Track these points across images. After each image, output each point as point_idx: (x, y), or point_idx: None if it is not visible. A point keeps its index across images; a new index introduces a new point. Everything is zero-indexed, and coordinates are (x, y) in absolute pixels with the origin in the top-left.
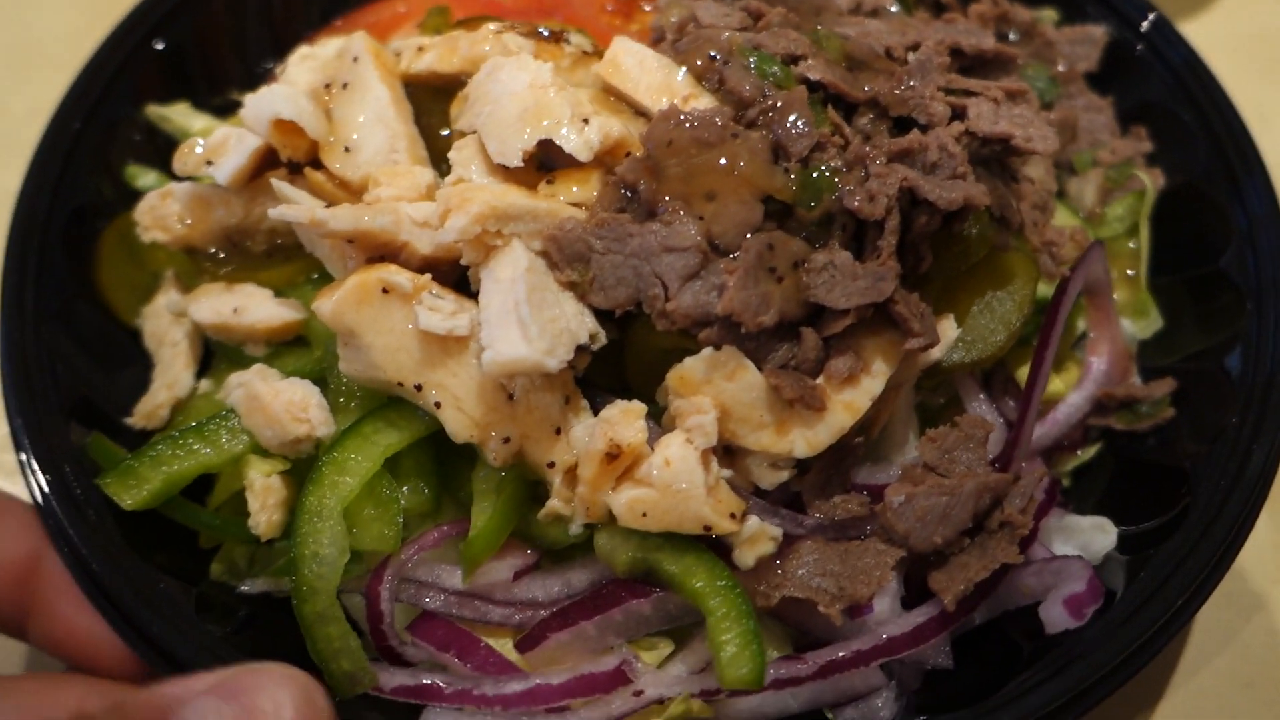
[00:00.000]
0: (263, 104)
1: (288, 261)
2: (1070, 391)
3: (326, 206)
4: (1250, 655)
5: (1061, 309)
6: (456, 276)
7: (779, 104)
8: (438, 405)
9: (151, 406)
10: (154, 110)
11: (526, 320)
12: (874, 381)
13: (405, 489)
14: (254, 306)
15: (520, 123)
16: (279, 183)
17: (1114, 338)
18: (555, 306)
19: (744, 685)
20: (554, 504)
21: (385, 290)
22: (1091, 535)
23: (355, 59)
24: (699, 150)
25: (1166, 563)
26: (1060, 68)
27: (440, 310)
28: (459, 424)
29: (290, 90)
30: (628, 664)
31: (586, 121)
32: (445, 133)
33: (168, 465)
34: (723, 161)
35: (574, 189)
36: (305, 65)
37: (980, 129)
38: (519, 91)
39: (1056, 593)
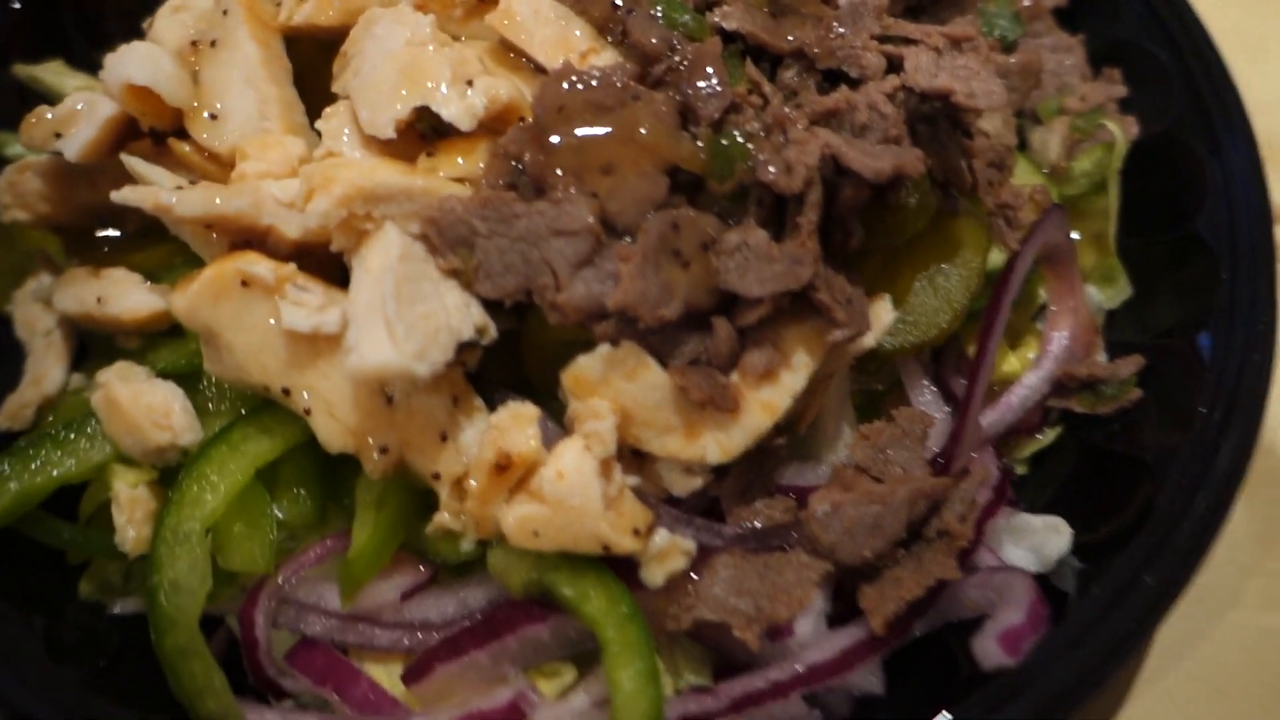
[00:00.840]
0: (118, 67)
1: (163, 241)
2: (1027, 372)
3: (191, 183)
4: (1222, 657)
5: (1009, 288)
6: (333, 263)
7: (689, 59)
8: (307, 411)
9: (16, 406)
10: (22, 70)
11: (393, 319)
12: (795, 376)
13: (284, 500)
14: (120, 294)
15: (395, 87)
16: (130, 159)
17: (1077, 310)
18: (432, 299)
19: None
20: (442, 518)
21: (244, 283)
22: (1044, 537)
23: (225, 11)
24: (594, 116)
25: (1122, 573)
26: (1025, 2)
27: (305, 305)
28: (331, 432)
29: (149, 49)
30: (523, 697)
31: (470, 84)
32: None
33: (18, 480)
34: (620, 128)
35: (458, 161)
36: (176, 19)
37: (918, 83)
38: (395, 49)
39: (992, 623)
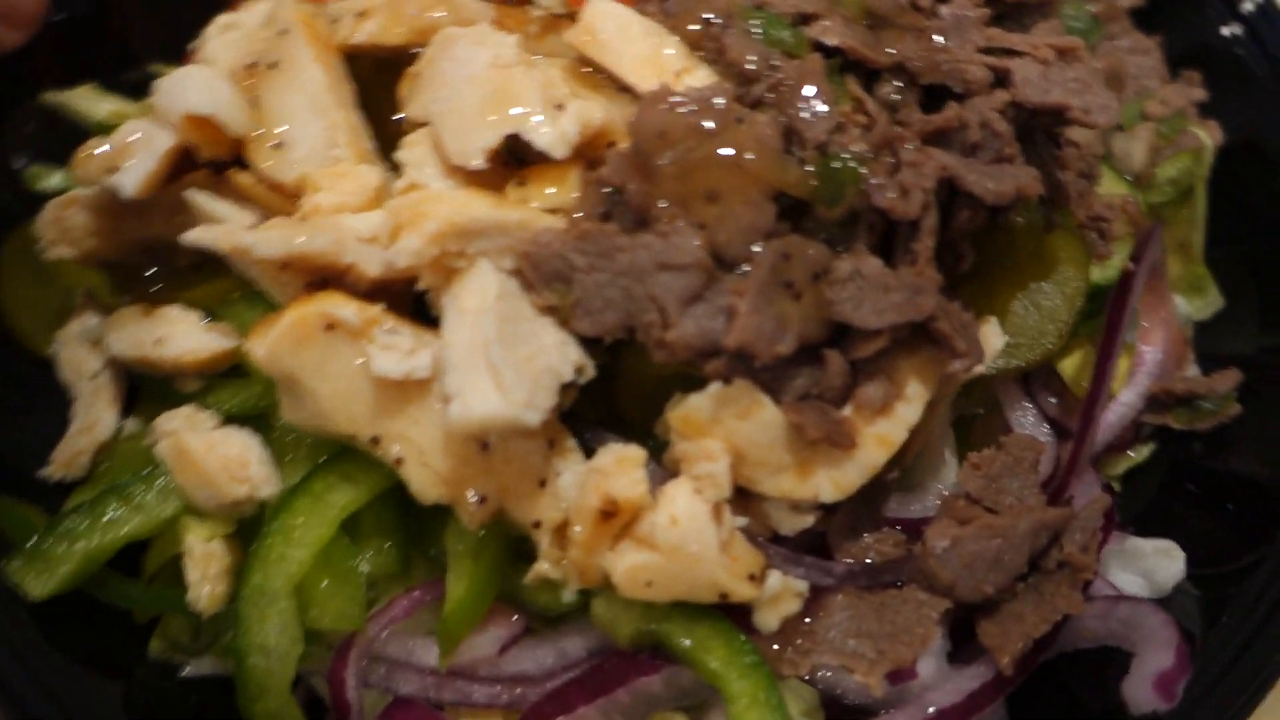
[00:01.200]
0: (174, 94)
1: (219, 275)
2: (1123, 389)
3: (258, 218)
4: None
5: (1126, 307)
6: (414, 297)
7: (791, 77)
8: (399, 461)
9: (70, 454)
10: (51, 97)
11: (499, 364)
12: (910, 408)
13: (368, 552)
14: (179, 335)
15: (481, 113)
16: (197, 196)
17: (1168, 322)
18: (532, 340)
19: None
20: (542, 567)
21: (329, 327)
22: (1156, 561)
23: (283, 31)
24: (697, 141)
25: (1250, 600)
26: (1100, 4)
27: (396, 349)
28: (425, 482)
29: (206, 75)
30: None
31: (560, 108)
32: (398, 117)
33: (85, 540)
34: (727, 153)
35: (549, 191)
36: (226, 39)
37: (1028, 99)
38: (478, 73)
39: (1140, 665)
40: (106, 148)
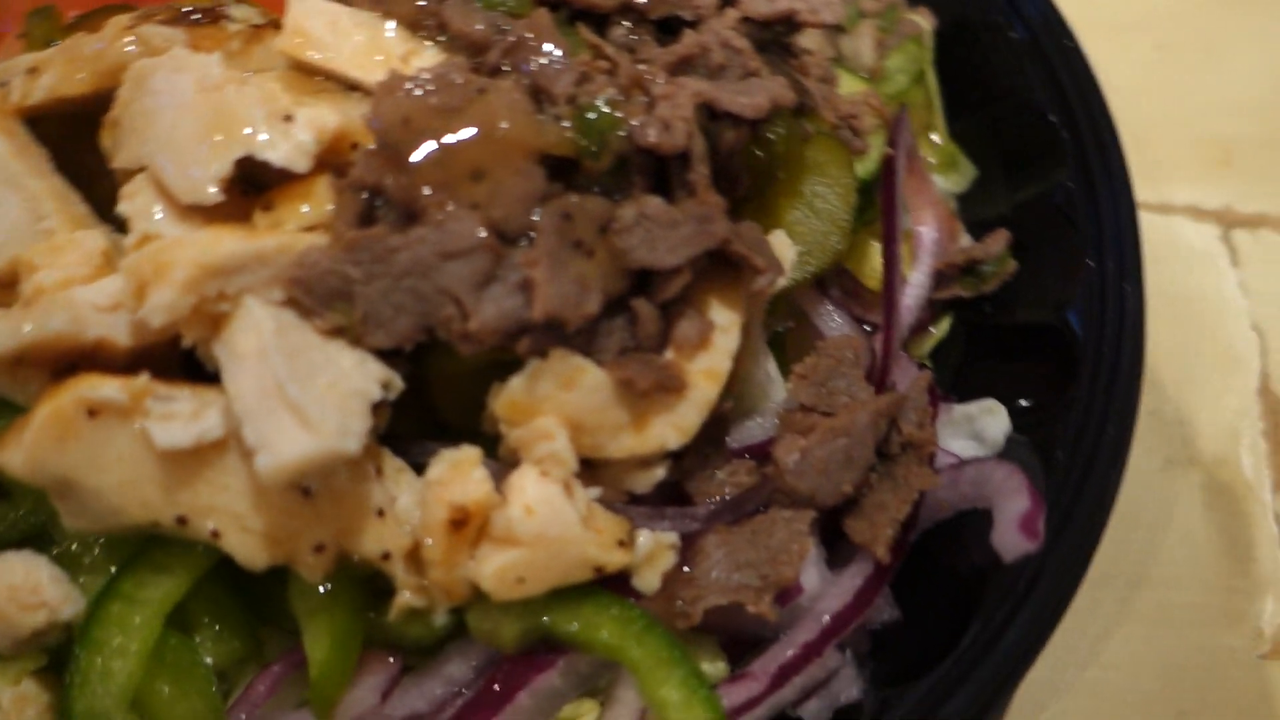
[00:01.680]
0: None
1: None
2: (910, 272)
3: None
4: (1187, 678)
5: (897, 192)
6: (179, 355)
7: (523, 36)
8: (215, 534)
9: None
10: None
11: (298, 401)
12: (728, 337)
13: (207, 642)
14: None
15: (201, 142)
16: None
17: (935, 202)
18: (328, 368)
19: None
20: (404, 598)
21: (92, 413)
22: (983, 422)
23: None
24: (445, 121)
25: (1074, 431)
26: None
27: (177, 416)
28: (251, 549)
29: None
30: None
31: (289, 119)
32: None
33: None
34: (479, 128)
35: (302, 209)
36: None
37: (758, 11)
38: (186, 100)
39: (1002, 516)
40: None
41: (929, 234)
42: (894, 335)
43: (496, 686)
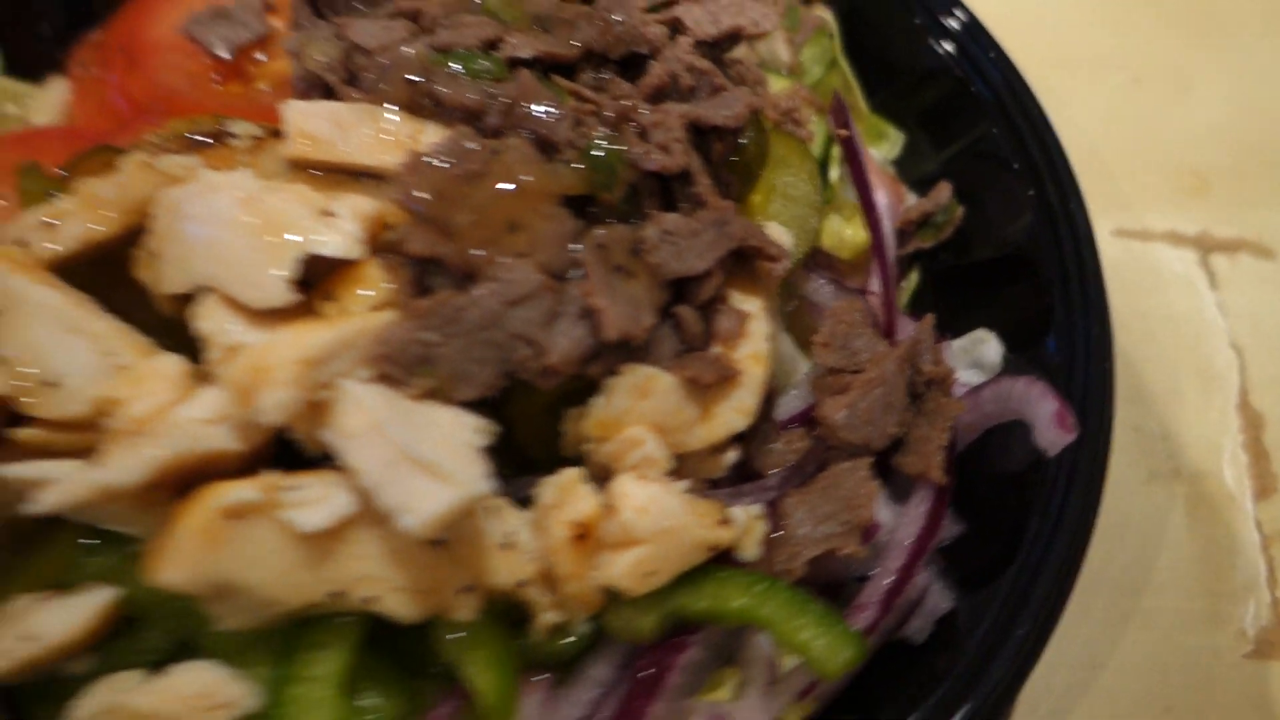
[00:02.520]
0: None
1: (51, 542)
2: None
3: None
4: (1171, 678)
5: (864, 165)
6: (273, 452)
7: (515, 98)
8: (368, 600)
9: None
10: None
11: (427, 458)
12: (760, 322)
13: (376, 701)
14: (43, 627)
15: (260, 252)
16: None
17: (878, 171)
18: (432, 428)
19: (850, 665)
20: (546, 617)
21: (235, 516)
22: (980, 351)
23: None
24: (471, 185)
25: (1065, 338)
26: None
27: (310, 501)
28: (406, 604)
29: None
30: (715, 715)
31: (330, 214)
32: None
33: None
34: (504, 185)
35: (363, 293)
36: None
37: (706, 33)
38: (230, 216)
39: (1038, 422)
40: None
41: (881, 199)
42: (892, 290)
43: (649, 673)
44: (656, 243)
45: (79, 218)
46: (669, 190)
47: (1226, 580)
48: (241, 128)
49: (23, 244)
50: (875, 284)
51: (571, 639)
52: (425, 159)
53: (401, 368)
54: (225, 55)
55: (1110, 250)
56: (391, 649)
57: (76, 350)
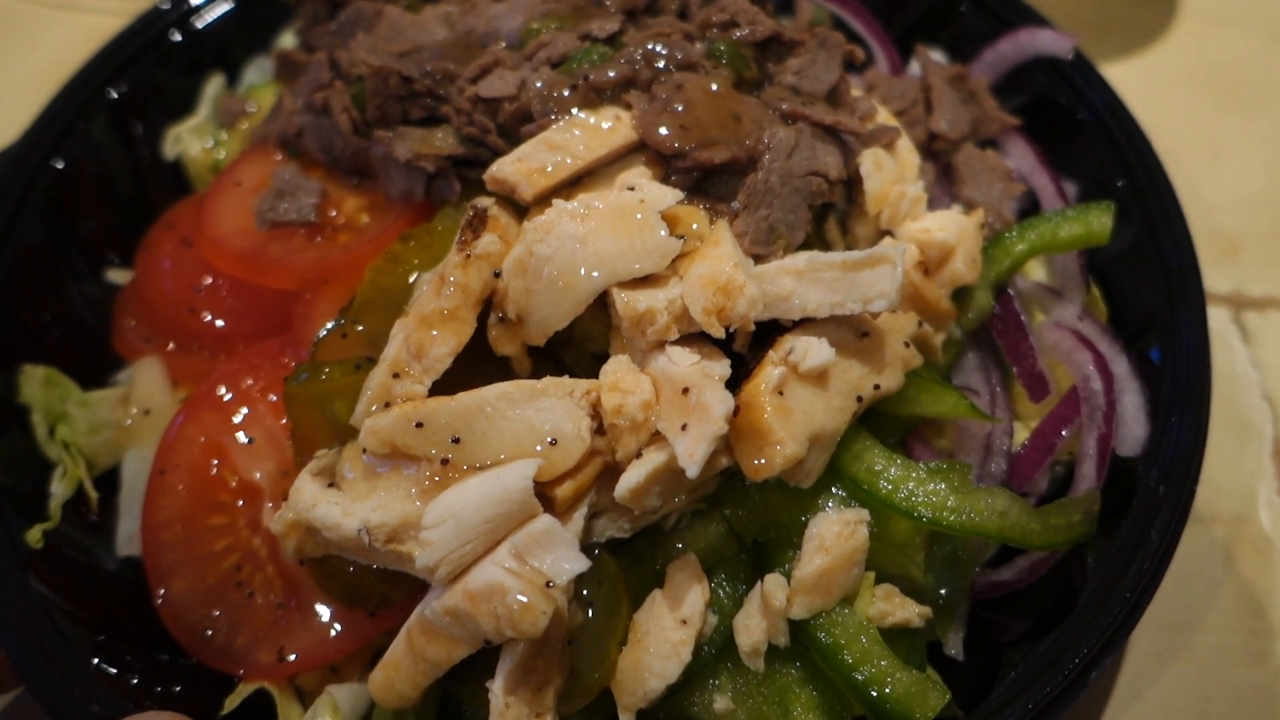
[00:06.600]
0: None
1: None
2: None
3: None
4: (1213, 713)
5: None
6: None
7: (643, 49)
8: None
9: None
10: None
11: None
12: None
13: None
14: None
15: (630, 236)
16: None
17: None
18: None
19: None
20: (938, 340)
21: (779, 391)
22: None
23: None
24: (695, 106)
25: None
26: None
27: (809, 350)
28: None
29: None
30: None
31: (632, 188)
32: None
33: None
34: (711, 91)
35: (694, 225)
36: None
37: None
38: (590, 226)
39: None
40: None
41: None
42: None
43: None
44: (794, 80)
45: (443, 340)
46: (769, 54)
47: (1265, 618)
48: (485, 201)
49: (397, 399)
50: None
51: (957, 338)
52: (650, 115)
53: (763, 244)
54: (311, 219)
55: None
56: None
57: (553, 411)
